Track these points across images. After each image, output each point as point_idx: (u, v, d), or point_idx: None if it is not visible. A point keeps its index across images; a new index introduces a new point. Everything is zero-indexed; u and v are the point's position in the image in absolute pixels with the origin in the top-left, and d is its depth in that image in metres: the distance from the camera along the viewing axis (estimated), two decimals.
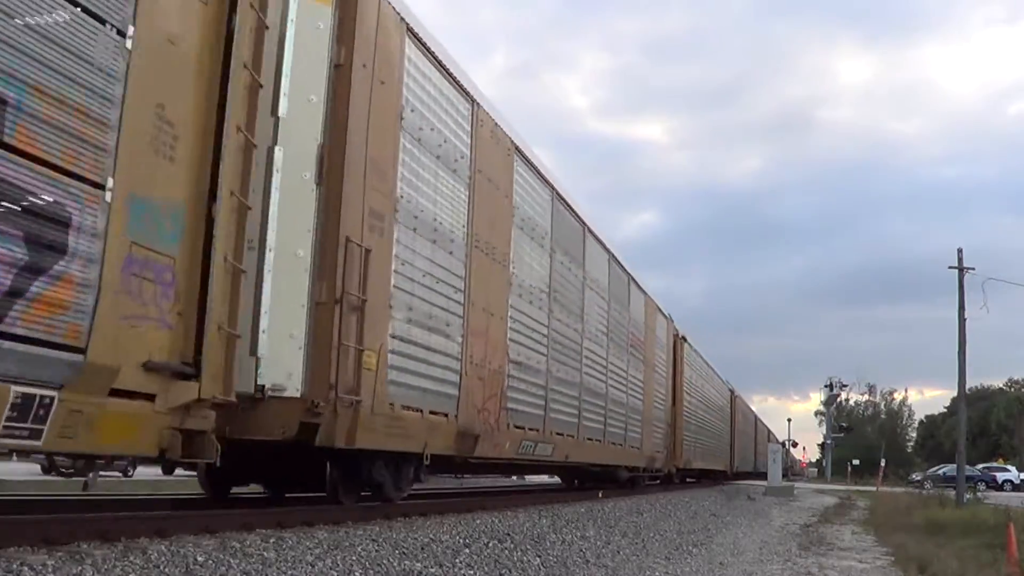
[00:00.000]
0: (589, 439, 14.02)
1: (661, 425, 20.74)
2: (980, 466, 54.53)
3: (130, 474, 21.53)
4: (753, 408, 58.28)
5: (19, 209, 4.04)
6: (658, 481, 22.45)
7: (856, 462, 73.14)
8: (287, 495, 8.85)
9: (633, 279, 17.88)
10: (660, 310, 21.21)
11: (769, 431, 63.93)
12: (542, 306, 11.71)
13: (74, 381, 4.35)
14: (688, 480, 29.84)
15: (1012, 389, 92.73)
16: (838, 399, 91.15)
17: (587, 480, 17.72)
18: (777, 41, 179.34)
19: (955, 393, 32.26)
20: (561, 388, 12.47)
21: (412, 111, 7.97)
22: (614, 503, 13.98)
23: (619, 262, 16.58)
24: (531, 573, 7.39)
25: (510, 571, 7.15)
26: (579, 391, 13.38)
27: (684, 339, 24.67)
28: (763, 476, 44.54)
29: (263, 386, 6.43)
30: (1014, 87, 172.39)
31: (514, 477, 26.59)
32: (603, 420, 14.93)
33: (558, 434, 12.29)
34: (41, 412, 4.17)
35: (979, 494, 30.44)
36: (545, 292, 11.86)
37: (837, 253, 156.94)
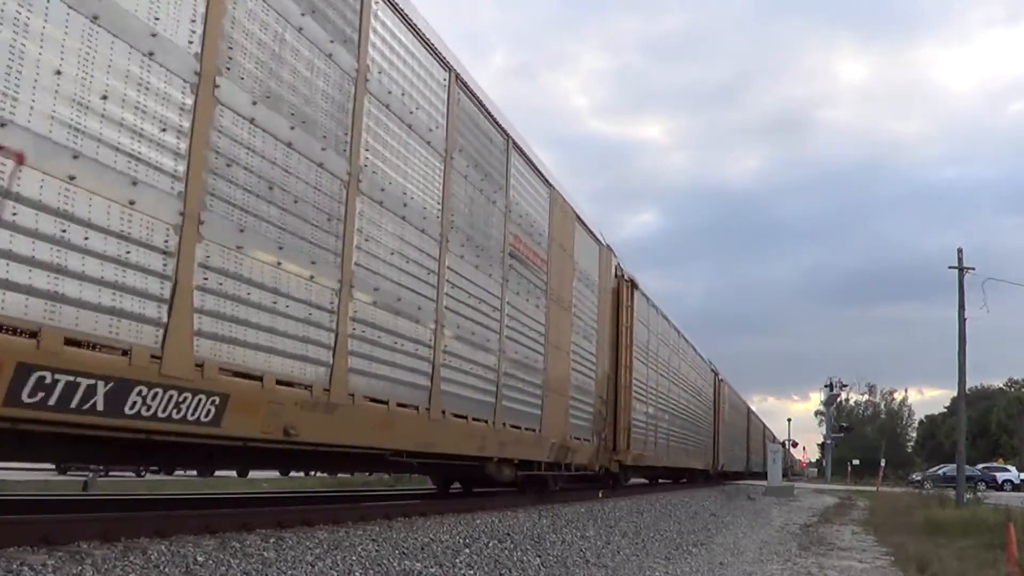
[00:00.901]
0: (379, 402, 7.08)
1: (588, 400, 13.66)
2: (980, 466, 54.52)
3: (143, 475, 21.31)
4: (753, 407, 57.17)
5: None
6: (598, 485, 16.21)
7: (856, 462, 73.23)
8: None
9: (519, 147, 10.56)
10: (587, 226, 13.87)
11: (765, 426, 60.23)
12: (170, 80, 4.94)
13: None
14: (662, 481, 25.43)
15: (1012, 389, 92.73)
16: (838, 399, 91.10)
17: (474, 483, 12.20)
18: (776, 41, 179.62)
19: (955, 393, 32.25)
20: (266, 279, 5.77)
21: None
22: (614, 503, 13.99)
23: (484, 106, 9.48)
24: (531, 573, 7.40)
25: (510, 571, 7.15)
26: (337, 298, 6.51)
27: (633, 283, 16.83)
28: (756, 477, 44.12)
29: None
30: (1014, 87, 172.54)
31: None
32: (429, 372, 7.94)
33: (246, 378, 5.55)
34: None
35: (979, 494, 30.42)
36: (187, 59, 5.06)
37: (837, 253, 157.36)
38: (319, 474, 21.75)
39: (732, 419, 37.39)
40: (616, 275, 16.24)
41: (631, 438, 16.40)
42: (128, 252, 4.59)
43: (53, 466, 20.34)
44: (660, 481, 25.67)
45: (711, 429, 30.13)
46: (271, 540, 5.66)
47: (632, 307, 16.91)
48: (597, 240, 14.82)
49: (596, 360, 14.33)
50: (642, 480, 24.09)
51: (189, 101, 5.05)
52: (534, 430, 11.01)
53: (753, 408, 56.75)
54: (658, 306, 20.59)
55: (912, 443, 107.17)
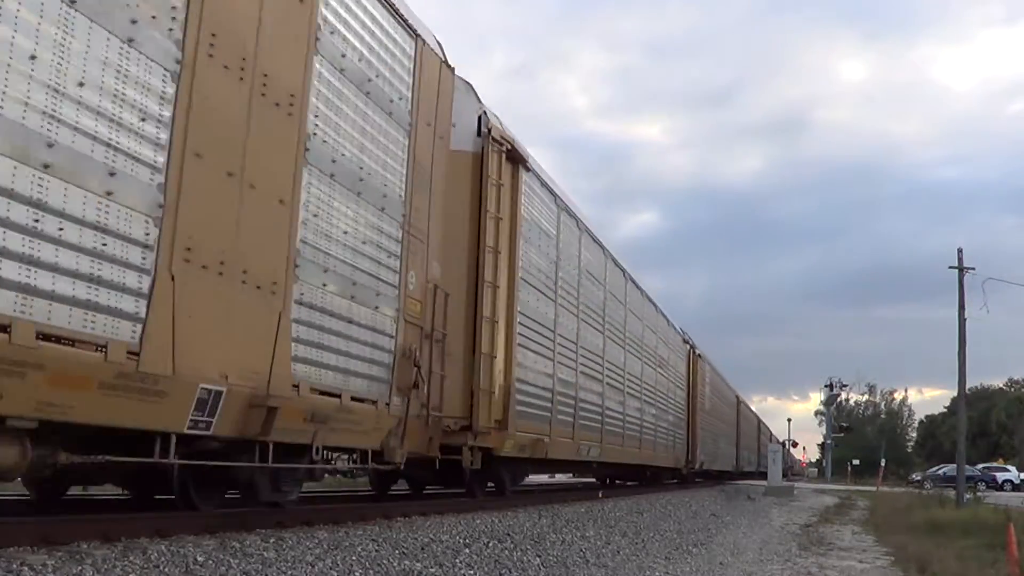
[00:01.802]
0: None
1: (368, 323, 7.26)
2: (980, 466, 54.53)
3: None
4: (753, 407, 56.45)
5: None
6: (379, 490, 11.43)
7: (856, 462, 73.22)
8: None
9: None
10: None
11: (760, 420, 57.23)
12: None
13: None
14: (609, 486, 19.69)
15: (1012, 389, 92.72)
16: (838, 399, 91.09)
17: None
18: (775, 41, 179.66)
19: (955, 393, 32.27)
20: None
21: None
22: (614, 503, 13.97)
23: None
24: (531, 573, 7.39)
25: (510, 571, 7.15)
26: None
27: (514, 154, 10.59)
28: (749, 477, 43.44)
29: None
30: (1014, 87, 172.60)
31: None
32: None
33: None
34: None
35: (979, 494, 30.41)
36: None
37: (837, 253, 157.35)
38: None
39: (715, 407, 31.27)
40: (481, 131, 9.96)
41: (513, 411, 10.14)
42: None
43: None
44: (616, 482, 20.89)
45: (684, 417, 24.20)
46: (271, 540, 5.66)
47: (517, 193, 10.65)
48: (407, 28, 7.99)
49: (403, 253, 7.83)
50: (589, 480, 19.74)
51: None
52: (101, 349, 4.58)
53: (753, 408, 56.11)
54: (581, 217, 13.95)
55: (912, 443, 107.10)
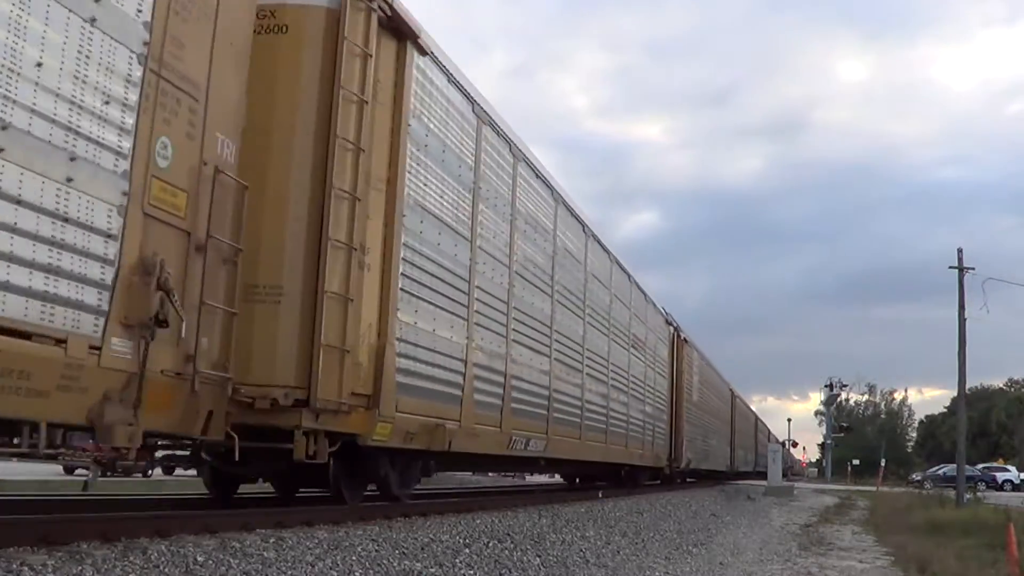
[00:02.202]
0: None
1: (83, 228, 4.53)
2: (980, 466, 54.55)
3: (149, 474, 21.10)
4: (753, 408, 56.25)
5: None
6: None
7: (856, 462, 73.27)
8: None
9: None
10: None
11: (758, 418, 55.81)
12: None
13: None
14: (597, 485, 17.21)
15: (1012, 389, 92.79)
16: (838, 399, 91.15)
17: None
18: (776, 41, 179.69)
19: (955, 393, 32.31)
20: None
21: None
22: (614, 503, 13.98)
23: None
24: (531, 573, 7.39)
25: (510, 571, 7.15)
26: None
27: (405, 29, 7.67)
28: (745, 477, 43.26)
29: None
30: (1014, 87, 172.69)
31: None
32: None
33: None
34: None
35: (979, 494, 30.41)
36: None
37: (838, 253, 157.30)
38: None
39: (706, 400, 28.17)
40: None
41: (389, 384, 7.44)
42: None
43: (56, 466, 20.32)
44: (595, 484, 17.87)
45: (666, 409, 21.35)
46: (271, 540, 5.65)
47: (403, 77, 7.76)
48: None
49: (142, 103, 4.93)
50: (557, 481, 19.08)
51: None
52: None
53: (754, 408, 55.87)
54: (519, 143, 10.81)
55: (912, 443, 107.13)
